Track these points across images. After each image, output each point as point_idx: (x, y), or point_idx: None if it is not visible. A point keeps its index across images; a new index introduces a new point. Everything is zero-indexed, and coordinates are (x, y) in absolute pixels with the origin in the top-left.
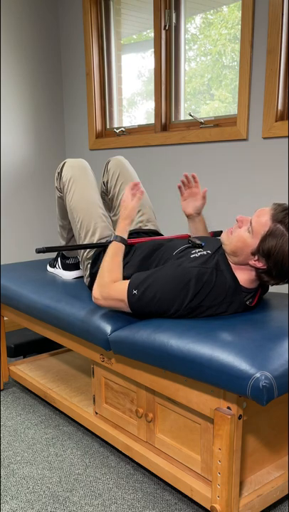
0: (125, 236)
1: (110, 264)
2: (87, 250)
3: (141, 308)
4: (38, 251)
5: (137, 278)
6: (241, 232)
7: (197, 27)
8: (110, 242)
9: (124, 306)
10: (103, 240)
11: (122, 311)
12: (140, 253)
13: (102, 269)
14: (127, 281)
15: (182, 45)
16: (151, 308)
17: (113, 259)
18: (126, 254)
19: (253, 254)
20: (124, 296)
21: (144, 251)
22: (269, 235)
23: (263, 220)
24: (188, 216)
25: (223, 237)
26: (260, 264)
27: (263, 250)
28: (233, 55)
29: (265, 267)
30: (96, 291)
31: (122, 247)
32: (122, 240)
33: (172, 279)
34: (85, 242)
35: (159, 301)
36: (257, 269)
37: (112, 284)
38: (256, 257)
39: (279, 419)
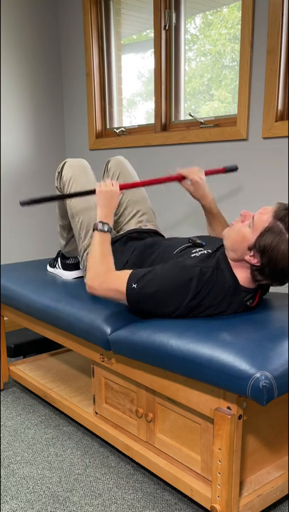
0: (111, 224)
1: (101, 252)
2: (88, 251)
3: (138, 303)
4: (23, 203)
5: (138, 272)
6: (242, 226)
7: (197, 27)
8: (97, 229)
9: (122, 297)
10: None
11: (120, 306)
12: (140, 252)
13: (94, 258)
14: (127, 273)
15: (182, 45)
16: (149, 305)
17: (102, 246)
18: (126, 254)
19: (250, 249)
20: (123, 287)
21: (145, 250)
22: (267, 231)
23: (264, 217)
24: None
25: (224, 232)
26: (254, 261)
27: (259, 246)
28: (233, 55)
29: (258, 264)
30: (92, 281)
31: (109, 235)
32: (109, 229)
33: (173, 276)
34: (85, 243)
35: (157, 298)
36: (251, 265)
37: (109, 274)
38: (252, 252)
39: (279, 419)
